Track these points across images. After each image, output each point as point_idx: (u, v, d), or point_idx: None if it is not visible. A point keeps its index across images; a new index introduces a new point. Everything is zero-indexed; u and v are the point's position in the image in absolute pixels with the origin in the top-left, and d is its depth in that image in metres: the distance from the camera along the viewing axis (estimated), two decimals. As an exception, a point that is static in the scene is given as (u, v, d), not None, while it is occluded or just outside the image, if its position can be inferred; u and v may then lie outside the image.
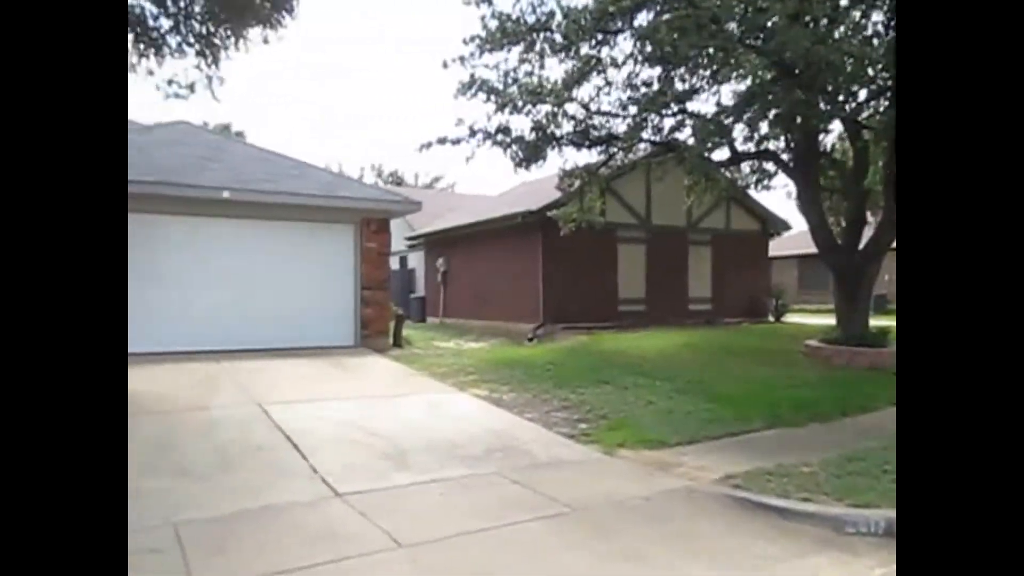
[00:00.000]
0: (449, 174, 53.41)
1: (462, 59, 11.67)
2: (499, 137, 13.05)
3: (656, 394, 9.12)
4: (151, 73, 9.56)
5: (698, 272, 19.49)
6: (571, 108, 12.73)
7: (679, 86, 11.91)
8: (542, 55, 11.74)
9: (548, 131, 13.03)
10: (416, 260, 26.07)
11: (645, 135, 12.52)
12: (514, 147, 13.25)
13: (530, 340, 16.10)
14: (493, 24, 11.46)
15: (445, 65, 11.57)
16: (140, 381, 9.02)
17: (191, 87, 9.56)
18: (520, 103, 13.00)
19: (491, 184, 70.11)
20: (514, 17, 11.35)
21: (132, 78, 9.93)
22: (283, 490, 5.45)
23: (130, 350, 10.99)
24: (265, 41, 9.51)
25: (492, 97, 12.85)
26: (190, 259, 11.81)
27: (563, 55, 11.65)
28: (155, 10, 9.62)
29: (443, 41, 67.07)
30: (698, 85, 11.80)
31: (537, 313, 17.03)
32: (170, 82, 9.63)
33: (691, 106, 12.37)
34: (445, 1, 61.77)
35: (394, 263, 23.19)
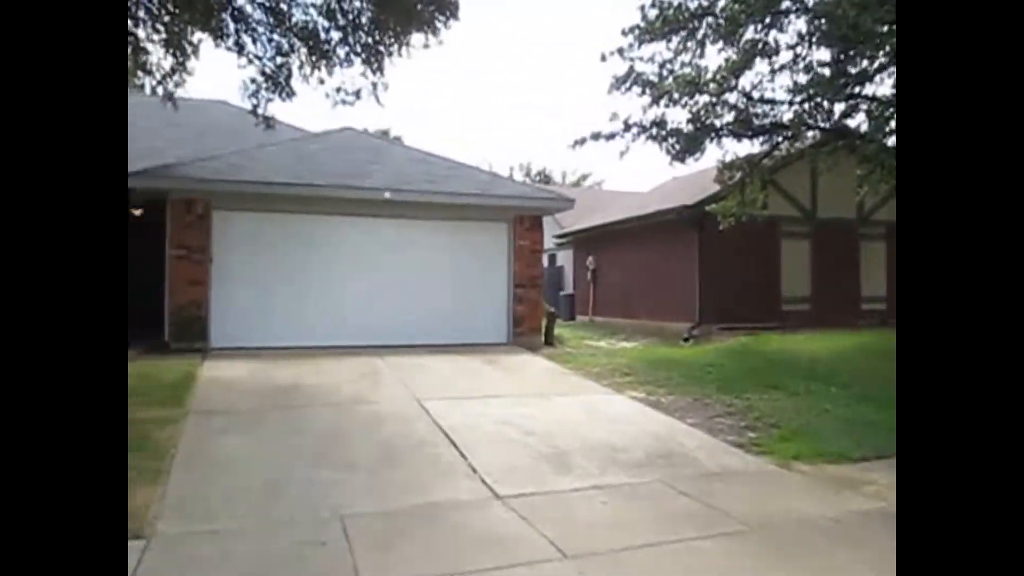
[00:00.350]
0: (597, 171, 53.03)
1: (620, 51, 11.38)
2: (654, 131, 12.65)
3: (832, 401, 8.44)
4: (322, 82, 10.00)
5: (871, 268, 18.05)
6: (732, 97, 12.12)
7: (855, 68, 11.00)
8: (703, 43, 11.22)
9: (707, 122, 12.48)
10: (564, 258, 25.99)
11: (814, 122, 11.68)
12: (670, 140, 12.79)
13: (685, 340, 15.53)
14: (653, 13, 11.09)
15: (603, 58, 11.34)
16: (308, 374, 9.44)
17: (357, 93, 9.91)
18: (677, 95, 12.54)
19: (638, 181, 69.03)
20: (675, 4, 10.91)
21: (304, 88, 10.45)
22: (444, 488, 5.43)
23: (294, 343, 11.73)
24: (426, 46, 9.69)
25: (647, 90, 12.47)
26: (352, 258, 12.28)
27: (725, 41, 11.08)
28: (326, 23, 10.04)
29: (590, 39, 66.68)
30: (877, 64, 10.84)
31: (692, 312, 16.42)
32: (338, 90, 10.04)
33: (867, 89, 11.41)
34: (594, -3, 61.42)
35: (543, 261, 23.24)
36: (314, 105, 53.99)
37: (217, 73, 51.59)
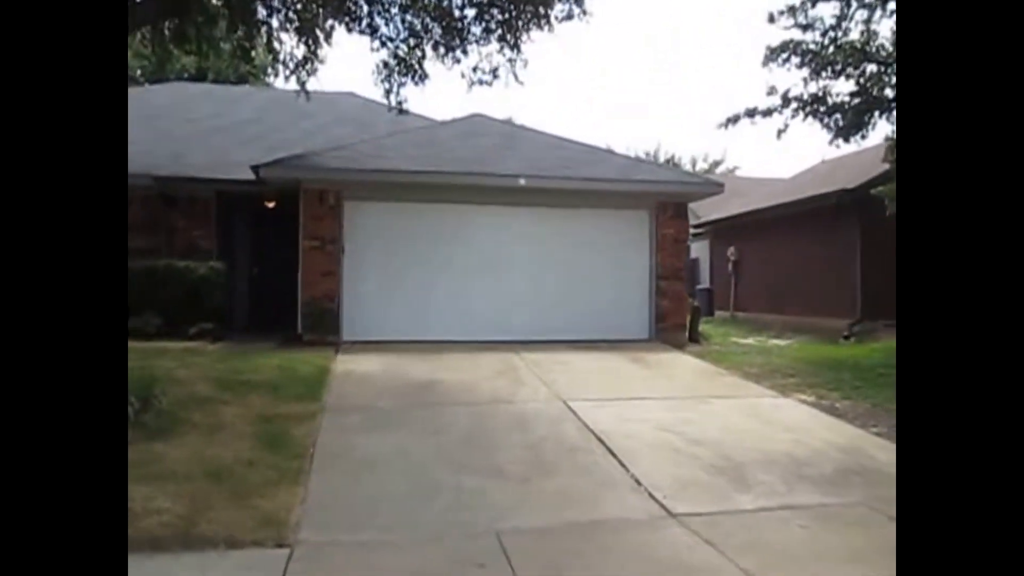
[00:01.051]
0: (729, 158, 50.82)
1: (792, 9, 10.48)
2: (815, 106, 11.63)
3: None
4: (457, 62, 9.65)
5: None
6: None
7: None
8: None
9: (876, 94, 11.33)
10: (700, 249, 24.80)
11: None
12: (833, 116, 11.72)
13: (846, 338, 14.26)
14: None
15: (772, 19, 10.51)
16: (443, 370, 9.12)
17: (494, 72, 9.49)
18: (840, 64, 11.46)
19: (774, 168, 65.82)
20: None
21: (438, 70, 10.21)
22: (609, 503, 4.86)
23: (424, 337, 11.50)
24: (568, 17, 9.15)
25: (807, 60, 11.47)
26: (483, 248, 11.93)
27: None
28: (460, 0, 9.69)
29: (713, 23, 64.26)
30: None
31: (853, 307, 15.08)
32: (475, 69, 9.65)
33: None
34: (725, -25, 59.00)
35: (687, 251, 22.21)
36: (442, 94, 54.38)
37: (345, 65, 53.18)
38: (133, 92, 20.26)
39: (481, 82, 9.46)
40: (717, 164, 48.51)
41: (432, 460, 5.68)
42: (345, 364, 9.46)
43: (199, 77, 27.16)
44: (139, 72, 27.69)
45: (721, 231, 21.94)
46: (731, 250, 21.11)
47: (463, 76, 9.67)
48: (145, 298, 11.39)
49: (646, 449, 6.01)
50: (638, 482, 5.24)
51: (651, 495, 4.99)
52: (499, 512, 4.64)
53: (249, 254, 14.70)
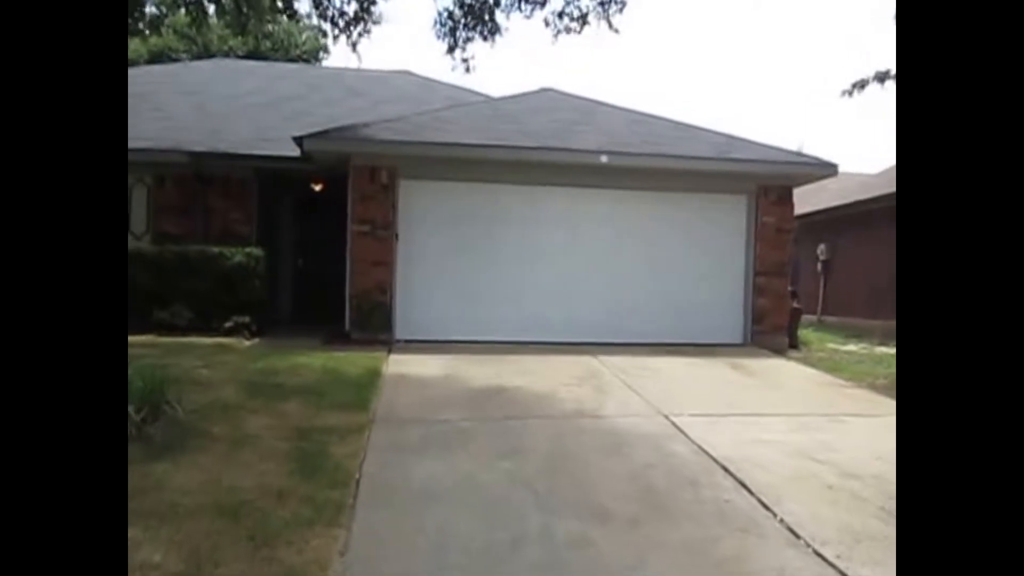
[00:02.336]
0: (808, 145, 48.59)
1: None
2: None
3: None
4: (540, 5, 8.42)
5: None
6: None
7: None
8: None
9: None
10: (785, 247, 23.16)
11: None
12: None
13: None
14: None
15: None
16: (513, 375, 7.97)
17: (583, 19, 8.25)
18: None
19: (860, 159, 63.03)
20: None
21: (512, 22, 9.04)
22: (763, 563, 3.62)
23: (487, 337, 10.39)
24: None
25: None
26: (555, 236, 10.77)
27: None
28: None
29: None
30: None
31: (978, 312, 13.43)
32: (560, 15, 8.42)
33: None
34: (803, -44, 56.65)
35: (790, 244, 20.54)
36: (504, 74, 53.01)
37: (401, 47, 52.47)
38: (172, 68, 19.72)
39: (568, 31, 8.24)
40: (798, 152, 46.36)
41: (510, 493, 4.52)
42: (398, 366, 8.38)
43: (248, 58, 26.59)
44: (184, 55, 27.27)
45: (809, 227, 20.34)
46: (821, 248, 19.52)
47: (546, 24, 8.45)
48: (175, 288, 10.57)
49: (789, 483, 4.75)
50: (793, 532, 3.99)
51: (818, 553, 3.73)
52: (617, 573, 3.46)
53: (294, 243, 13.87)
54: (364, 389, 7.02)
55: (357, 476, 4.75)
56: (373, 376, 7.67)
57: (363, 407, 6.38)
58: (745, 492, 4.59)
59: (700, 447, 5.45)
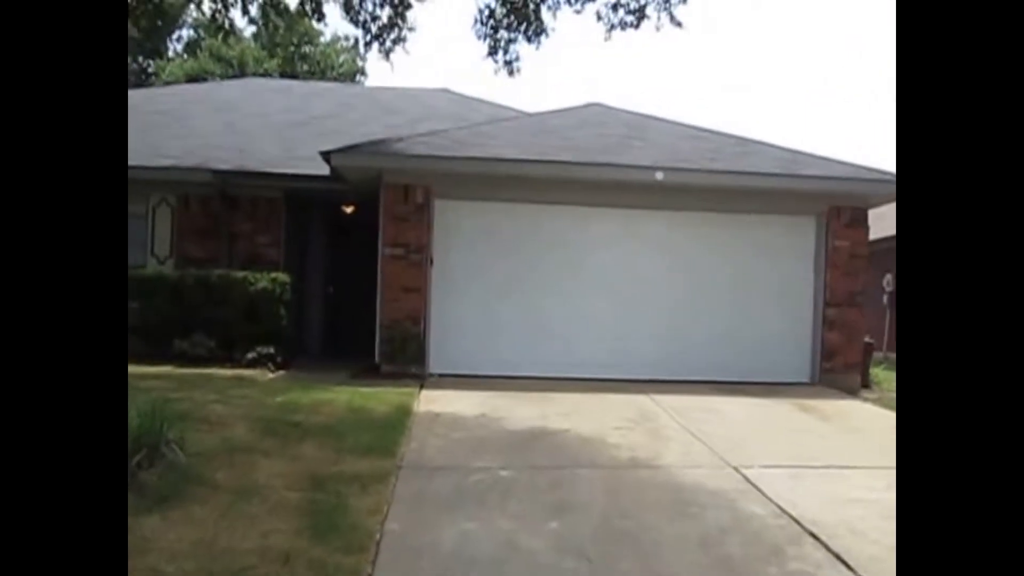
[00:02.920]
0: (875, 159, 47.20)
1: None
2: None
3: None
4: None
5: None
6: None
7: None
8: None
9: None
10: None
11: None
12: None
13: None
14: None
15: None
16: (558, 416, 7.34)
17: (640, 11, 7.67)
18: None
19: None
20: None
21: (561, 19, 8.50)
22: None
23: (527, 372, 9.74)
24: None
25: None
26: (601, 263, 10.15)
27: None
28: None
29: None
30: None
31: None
32: (615, 6, 7.85)
33: None
34: (859, -27, 55.49)
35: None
36: (546, 90, 52.60)
37: (439, 66, 52.46)
38: (203, 87, 19.65)
39: (623, 25, 7.65)
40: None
41: (558, 562, 3.88)
42: (431, 404, 7.80)
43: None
44: (218, 77, 27.41)
45: (873, 256, 19.38)
46: (887, 279, 18.53)
47: (599, 18, 7.85)
48: (196, 316, 10.17)
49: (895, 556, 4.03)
50: (913, 628, 3.27)
51: (949, 660, 3.01)
52: None
53: (324, 270, 13.45)
54: (392, 430, 6.44)
55: (378, 536, 4.16)
56: (403, 415, 7.10)
57: (389, 451, 5.80)
58: (843, 568, 3.89)
59: (780, 507, 4.75)
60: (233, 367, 9.83)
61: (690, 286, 10.15)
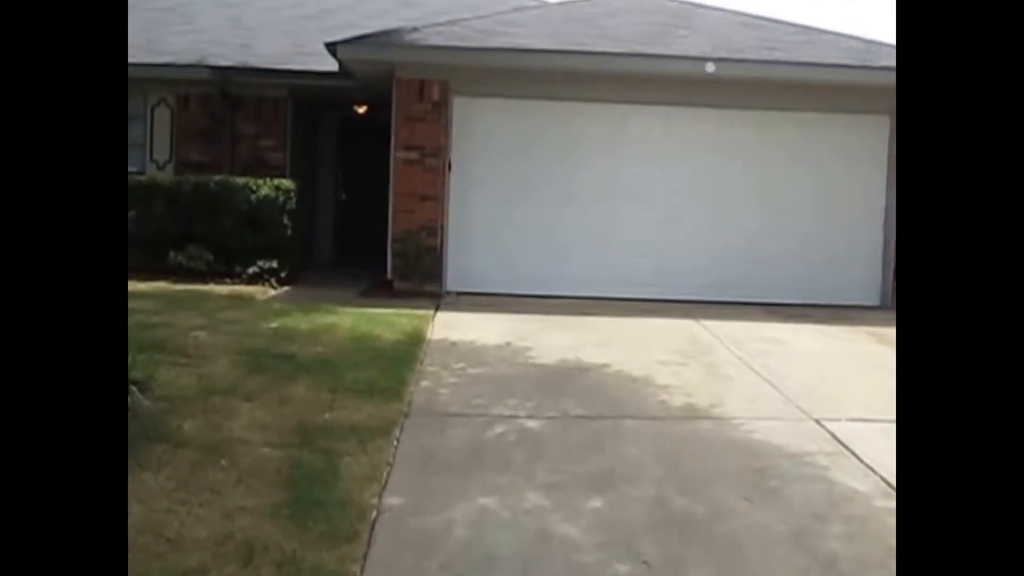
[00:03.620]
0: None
1: None
2: None
3: None
4: None
5: None
6: None
7: None
8: None
9: None
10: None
11: None
12: None
13: None
14: None
15: None
16: (594, 346, 6.29)
17: None
18: None
19: None
20: None
21: None
22: None
23: (555, 291, 8.63)
24: None
25: None
26: (640, 169, 8.91)
27: None
28: None
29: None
30: None
31: None
32: None
33: None
34: None
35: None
36: None
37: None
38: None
39: None
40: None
41: (605, 564, 2.87)
42: (447, 330, 6.77)
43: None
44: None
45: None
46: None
47: None
48: (195, 226, 9.16)
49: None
50: None
51: None
52: None
53: (336, 175, 12.34)
54: (400, 364, 5.42)
55: (373, 516, 3.18)
56: (414, 343, 6.08)
57: (395, 393, 4.79)
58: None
59: (886, 481, 3.69)
60: (233, 282, 8.89)
61: (743, 195, 8.91)
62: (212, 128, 10.59)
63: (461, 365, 5.61)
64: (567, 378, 5.37)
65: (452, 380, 5.25)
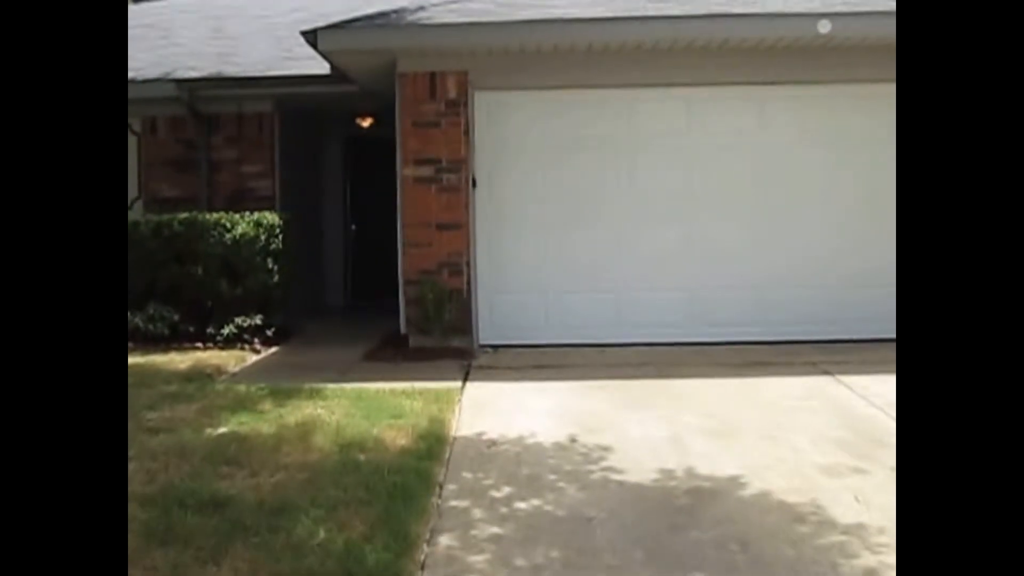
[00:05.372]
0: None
1: None
2: None
3: None
4: None
5: None
6: None
7: None
8: None
9: None
10: None
11: None
12: None
13: None
14: None
15: None
16: (706, 434, 4.12)
17: None
18: None
19: None
20: None
21: None
22: None
23: (621, 339, 6.39)
24: None
25: None
26: (738, 169, 6.73)
27: None
28: None
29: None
30: None
31: None
32: None
33: None
34: None
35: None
36: None
37: None
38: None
39: None
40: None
41: None
42: (481, 416, 4.62)
43: None
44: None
45: None
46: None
47: None
48: (158, 278, 7.16)
49: None
50: None
51: None
52: None
53: (343, 203, 10.32)
54: (406, 501, 3.26)
55: None
56: (431, 450, 3.92)
57: (407, 548, 2.65)
58: None
59: None
60: (205, 347, 6.85)
61: (864, 202, 6.64)
62: (185, 156, 8.61)
63: (505, 493, 3.45)
64: (684, 516, 3.17)
65: (491, 531, 3.08)
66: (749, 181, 6.66)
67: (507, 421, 4.47)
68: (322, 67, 7.29)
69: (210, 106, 8.42)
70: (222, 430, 4.22)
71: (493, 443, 4.10)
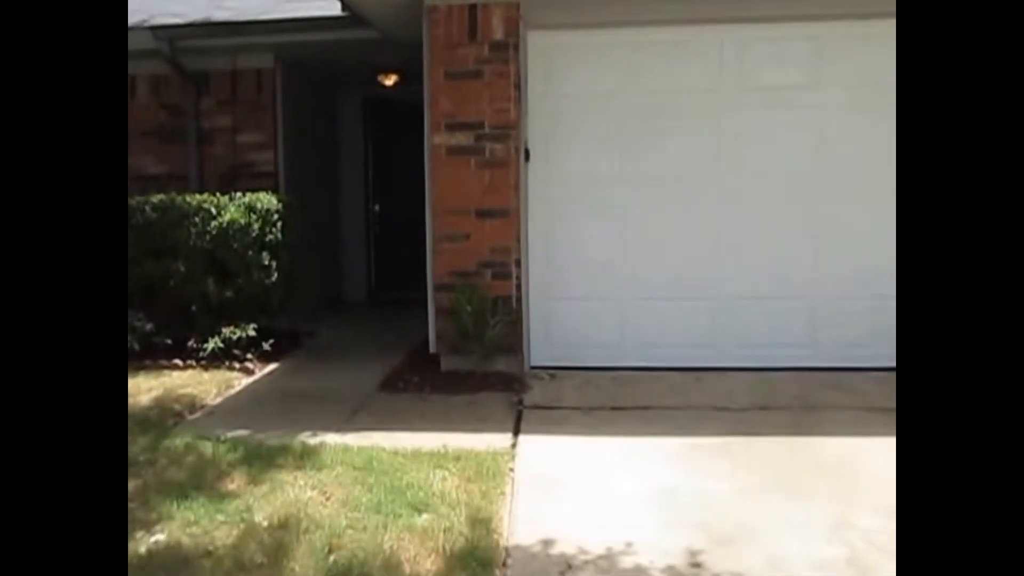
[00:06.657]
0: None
1: None
2: None
3: None
4: None
5: None
6: None
7: None
8: None
9: None
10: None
11: None
12: None
13: None
14: None
15: None
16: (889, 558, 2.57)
17: None
18: None
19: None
20: None
21: None
22: None
23: (718, 363, 4.69)
24: None
25: None
26: (864, 134, 5.15)
27: None
28: None
29: None
30: None
31: None
32: None
33: None
34: None
35: None
36: None
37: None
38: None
39: None
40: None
41: None
42: (543, 502, 3.19)
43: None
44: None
45: None
46: None
47: None
48: (130, 279, 5.81)
49: None
50: None
51: None
52: None
53: (364, 178, 8.97)
54: None
55: None
56: (471, 552, 2.51)
57: None
58: None
59: None
60: (184, 366, 5.58)
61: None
62: (171, 124, 7.28)
63: None
64: None
65: None
66: (879, 149, 5.09)
67: (584, 515, 3.04)
68: (333, 7, 5.89)
69: (198, 61, 7.07)
70: (154, 539, 2.84)
71: (569, 567, 2.68)
